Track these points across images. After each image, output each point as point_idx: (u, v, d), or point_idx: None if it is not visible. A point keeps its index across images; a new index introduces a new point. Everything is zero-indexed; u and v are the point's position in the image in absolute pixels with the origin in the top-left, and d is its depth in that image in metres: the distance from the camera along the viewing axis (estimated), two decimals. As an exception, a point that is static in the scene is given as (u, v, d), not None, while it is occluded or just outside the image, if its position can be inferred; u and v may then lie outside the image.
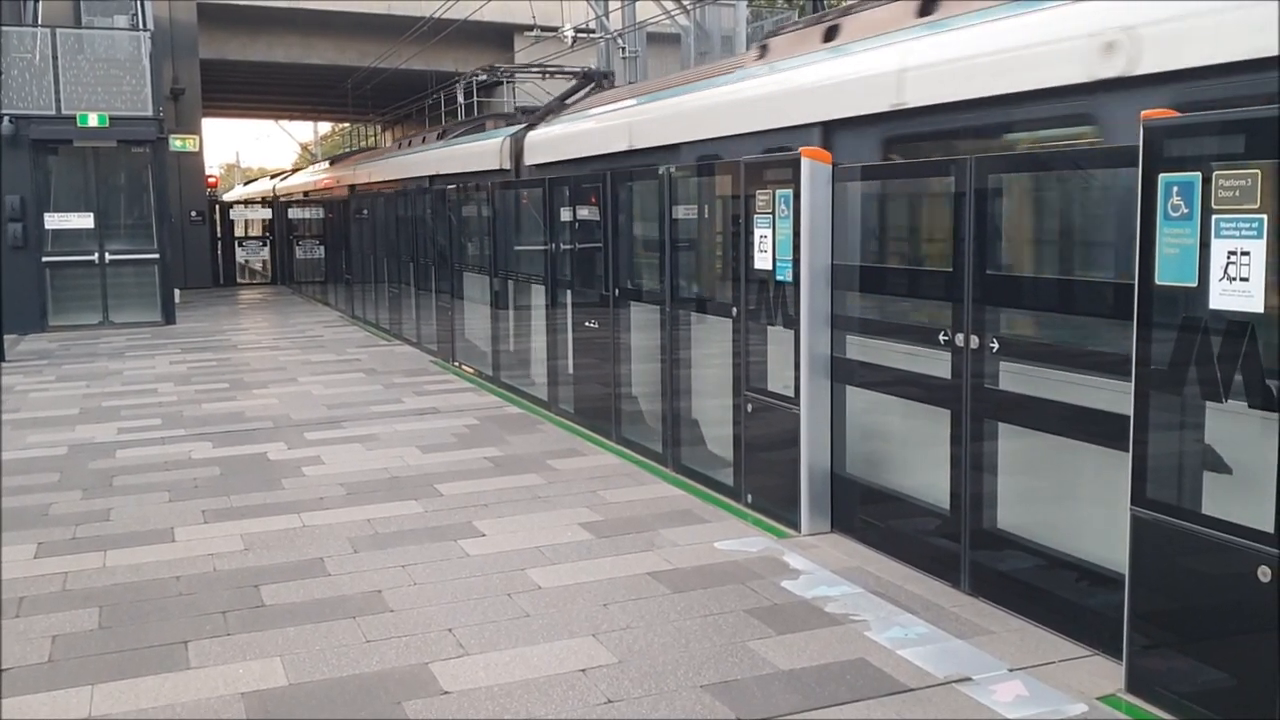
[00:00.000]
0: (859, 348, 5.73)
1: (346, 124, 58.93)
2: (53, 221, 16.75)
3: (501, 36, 30.21)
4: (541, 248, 9.54)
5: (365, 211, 18.36)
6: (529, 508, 6.43)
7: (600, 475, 7.18)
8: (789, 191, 5.70)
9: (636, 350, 8.02)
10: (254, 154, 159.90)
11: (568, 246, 9.12)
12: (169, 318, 17.50)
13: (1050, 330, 4.85)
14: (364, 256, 17.88)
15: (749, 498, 6.29)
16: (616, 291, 8.08)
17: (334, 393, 10.70)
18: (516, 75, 20.94)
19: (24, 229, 16.22)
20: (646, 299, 7.73)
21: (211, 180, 31.53)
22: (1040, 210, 5.15)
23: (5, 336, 13.51)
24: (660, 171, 7.31)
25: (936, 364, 5.04)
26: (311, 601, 4.92)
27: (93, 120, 16.67)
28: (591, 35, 21.55)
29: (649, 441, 7.67)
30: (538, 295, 9.85)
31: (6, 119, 15.74)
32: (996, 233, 4.81)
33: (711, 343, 6.90)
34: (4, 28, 16.79)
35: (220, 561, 5.52)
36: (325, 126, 65.35)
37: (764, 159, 6.17)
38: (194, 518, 6.34)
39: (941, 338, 4.93)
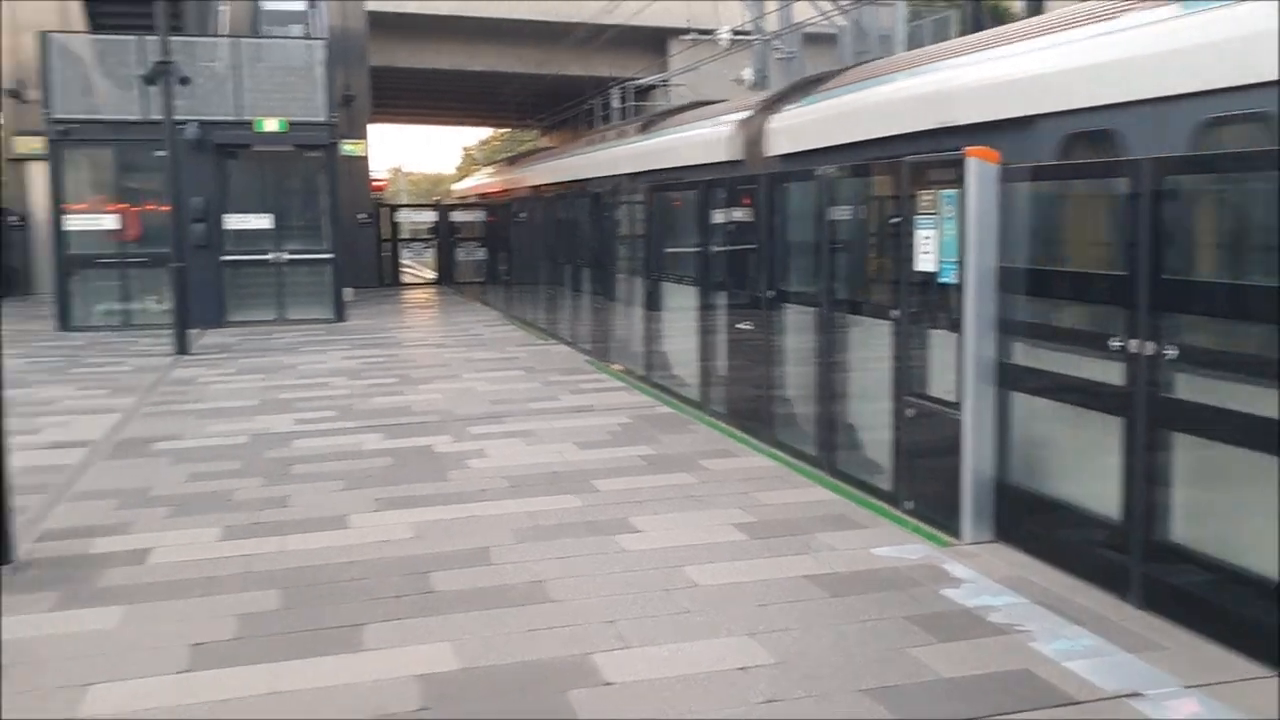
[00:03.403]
0: (1025, 353, 5.59)
1: (506, 129, 60.40)
2: (232, 222, 17.69)
3: (655, 41, 30.45)
4: (750, 247, 8.67)
5: (525, 214, 18.80)
6: (683, 506, 6.49)
7: (753, 477, 7.19)
8: (954, 192, 5.61)
9: (792, 352, 8.00)
10: (417, 159, 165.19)
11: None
12: (340, 315, 18.26)
13: (1230, 338, 4.64)
14: (522, 258, 18.30)
15: (908, 504, 6.21)
16: (773, 292, 8.07)
17: (495, 389, 11.00)
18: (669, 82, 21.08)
19: (206, 229, 17.18)
20: (802, 300, 7.70)
21: (379, 184, 32.73)
22: (1219, 212, 4.94)
23: (188, 331, 14.35)
24: (816, 173, 7.27)
25: (1108, 370, 4.88)
26: (477, 590, 5.09)
27: (272, 125, 17.55)
28: (748, 37, 21.52)
29: (803, 444, 7.64)
30: (691, 296, 9.91)
31: (193, 124, 16.67)
32: (1173, 236, 4.63)
33: (869, 345, 6.84)
34: (192, 38, 17.83)
35: (392, 548, 5.76)
36: (476, 132, 67.00)
37: (927, 159, 6.08)
38: (366, 506, 6.62)
39: (1114, 344, 4.78)
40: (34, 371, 12.59)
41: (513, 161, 24.27)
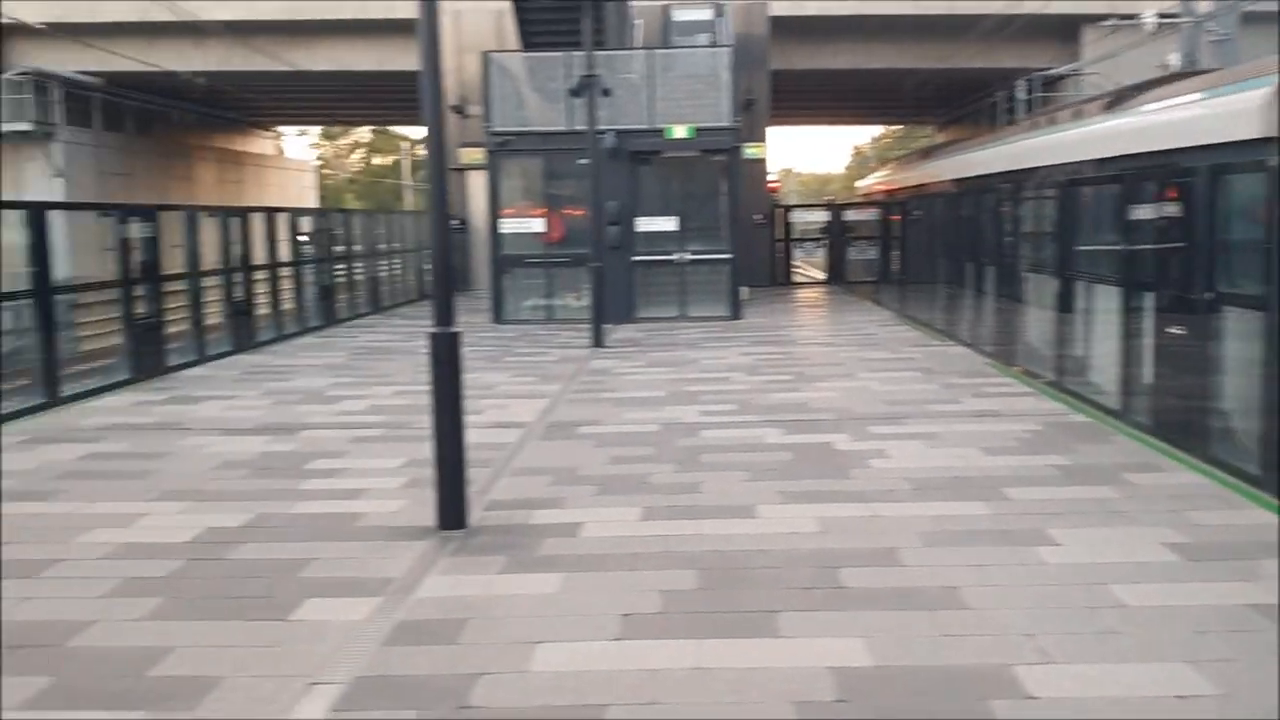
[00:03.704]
0: None
1: (898, 126, 59.41)
2: (642, 225, 18.73)
3: (1065, 29, 28.69)
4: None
5: (920, 212, 18.43)
6: (1106, 521, 6.12)
7: (1185, 494, 6.64)
8: None
9: (1234, 360, 7.30)
10: (806, 159, 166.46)
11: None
12: (736, 313, 18.82)
13: None
14: (918, 256, 17.96)
15: (1377, 535, 5.49)
16: (1212, 294, 7.40)
17: (891, 389, 10.91)
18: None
19: (620, 231, 18.31)
20: (1248, 303, 7.00)
21: (773, 185, 33.35)
22: None
23: (603, 325, 15.38)
24: (1272, 163, 6.58)
25: None
26: (888, 589, 5.10)
27: (680, 132, 18.40)
28: (1177, 20, 19.80)
29: (1244, 462, 6.95)
30: (1112, 297, 9.28)
31: (611, 133, 17.81)
32: None
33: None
34: (612, 52, 19.05)
35: (799, 541, 5.89)
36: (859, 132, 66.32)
37: None
38: (772, 497, 6.81)
39: None
40: (475, 359, 13.99)
41: (920, 156, 23.63)
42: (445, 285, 6.58)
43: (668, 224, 18.85)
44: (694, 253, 18.93)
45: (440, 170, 6.49)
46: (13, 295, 10.57)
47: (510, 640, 4.60)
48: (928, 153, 23.62)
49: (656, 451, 8.27)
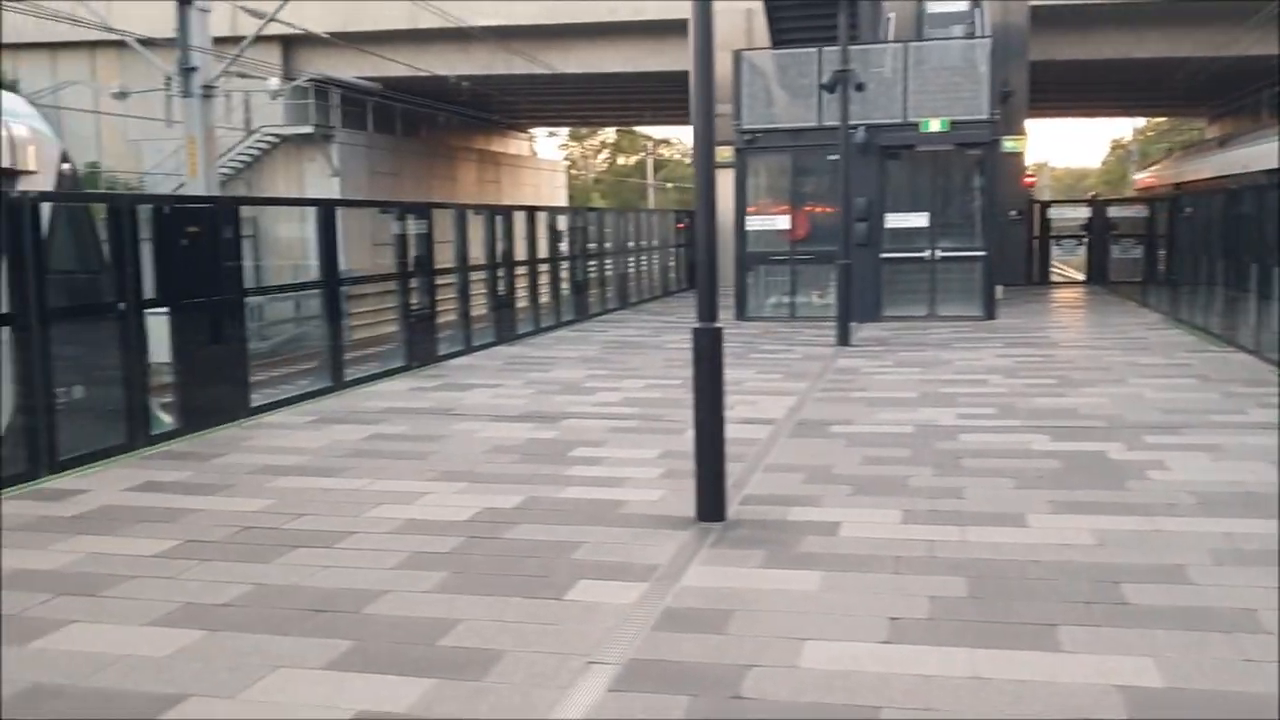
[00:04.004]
0: None
1: (1163, 118, 55.75)
2: (892, 221, 18.36)
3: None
4: None
5: (1192, 209, 17.22)
6: None
7: None
8: None
9: None
10: (1059, 153, 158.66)
11: None
12: (989, 313, 18.18)
13: None
14: (1192, 256, 16.79)
15: None
16: None
17: (1166, 397, 10.26)
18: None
19: (868, 228, 18.02)
20: None
21: (1029, 180, 31.98)
22: None
23: (849, 323, 15.18)
24: None
25: None
26: (1177, 608, 4.80)
27: (935, 126, 17.92)
28: None
29: None
30: None
31: (862, 129, 17.55)
32: None
33: None
34: (865, 46, 18.77)
35: (1074, 553, 5.63)
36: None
37: None
38: (1041, 506, 6.54)
39: None
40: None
41: (1216, 146, 22.00)
42: (710, 282, 6.68)
43: (918, 220, 18.42)
44: (945, 250, 18.41)
45: (708, 170, 6.61)
46: (305, 285, 11.47)
47: (777, 635, 4.62)
48: (1224, 141, 21.93)
49: (913, 454, 8.10)
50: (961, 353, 13.97)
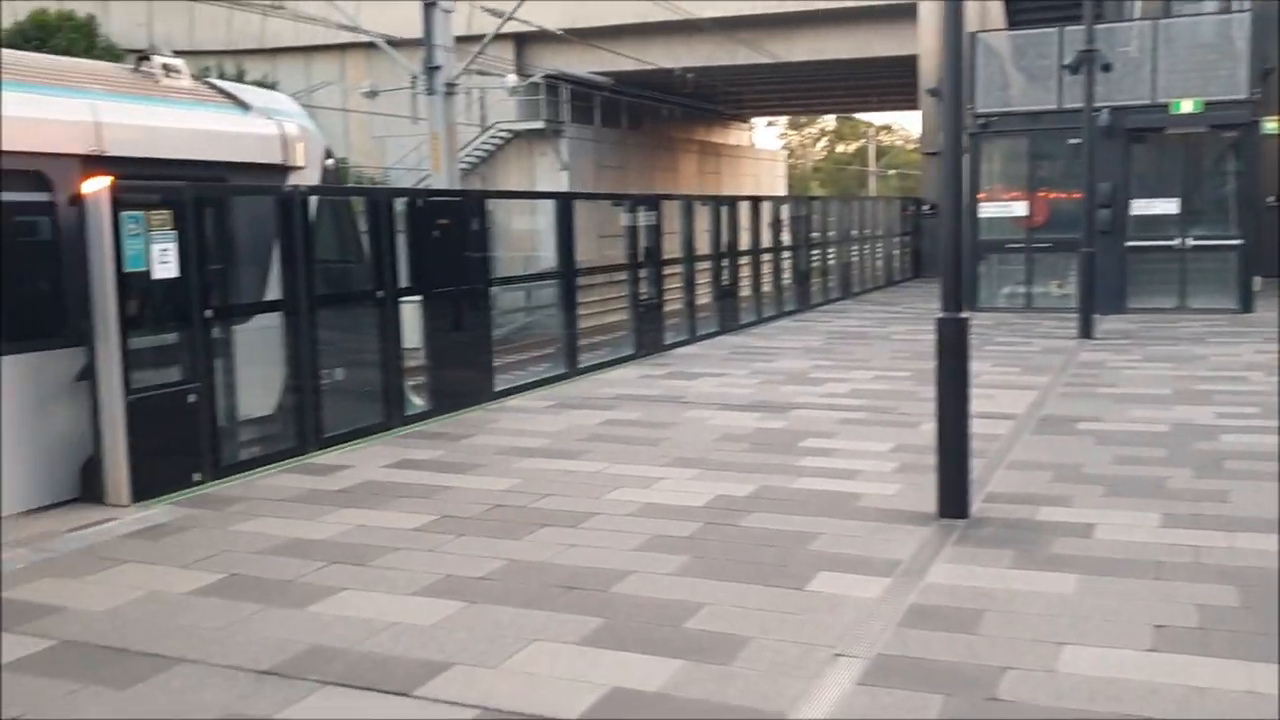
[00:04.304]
0: None
1: None
2: (1138, 207, 17.36)
3: None
4: None
5: None
6: None
7: None
8: None
9: None
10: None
11: None
12: (1245, 306, 16.95)
13: None
14: None
15: None
16: None
17: None
18: None
19: (1111, 215, 17.10)
20: None
21: (1292, 162, 29.48)
22: None
23: (1091, 315, 14.46)
24: None
25: None
26: None
27: (1187, 107, 16.83)
28: None
29: None
30: None
31: (1105, 111, 16.66)
32: None
33: None
34: (1111, 25, 17.80)
35: (1362, 567, 5.20)
36: None
37: None
38: (1320, 515, 6.07)
39: None
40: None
41: None
42: (955, 271, 6.53)
43: (1168, 206, 17.35)
44: (1197, 238, 17.27)
45: (955, 157, 6.46)
46: (545, 275, 11.88)
47: (1032, 637, 4.47)
48: None
49: (1169, 454, 7.66)
50: (1217, 348, 13.08)
